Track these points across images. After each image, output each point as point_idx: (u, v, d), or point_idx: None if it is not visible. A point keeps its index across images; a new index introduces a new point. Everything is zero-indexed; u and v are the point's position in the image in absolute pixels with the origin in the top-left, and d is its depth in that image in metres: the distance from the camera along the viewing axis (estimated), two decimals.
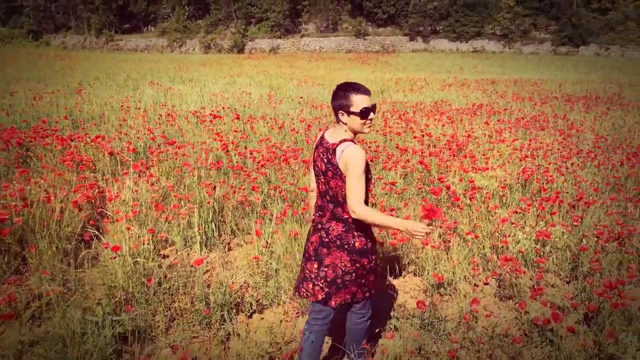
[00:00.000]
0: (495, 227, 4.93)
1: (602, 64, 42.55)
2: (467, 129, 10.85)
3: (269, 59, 48.02)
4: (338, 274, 2.91)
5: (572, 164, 7.45)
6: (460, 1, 54.82)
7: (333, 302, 2.96)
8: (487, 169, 6.75)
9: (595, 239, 4.56)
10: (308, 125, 10.08)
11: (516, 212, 5.08)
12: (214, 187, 5.65)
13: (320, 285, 2.94)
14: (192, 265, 4.02)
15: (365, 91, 2.79)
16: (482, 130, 10.24)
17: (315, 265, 2.96)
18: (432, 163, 7.20)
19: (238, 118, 9.77)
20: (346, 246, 2.88)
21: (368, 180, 2.89)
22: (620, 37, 52.82)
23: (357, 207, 2.71)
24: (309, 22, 63.88)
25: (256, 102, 13.68)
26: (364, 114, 2.76)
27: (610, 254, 4.40)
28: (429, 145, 8.61)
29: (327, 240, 2.92)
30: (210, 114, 9.88)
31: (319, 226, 2.98)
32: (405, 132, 9.56)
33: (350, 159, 2.71)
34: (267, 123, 10.06)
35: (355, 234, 2.89)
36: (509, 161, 7.68)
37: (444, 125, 10.61)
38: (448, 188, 5.91)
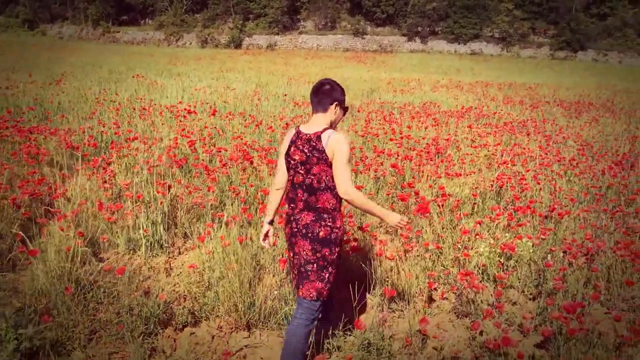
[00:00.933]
0: (459, 237, 4.64)
1: (599, 69, 42.35)
2: (451, 132, 10.57)
3: (265, 55, 47.78)
4: (301, 263, 3.05)
5: (552, 171, 7.17)
6: (459, 3, 54.45)
7: (300, 292, 3.05)
8: (461, 174, 6.46)
9: (562, 254, 4.28)
10: (287, 123, 9.79)
11: (480, 223, 4.79)
12: (169, 187, 5.36)
13: (295, 271, 3.13)
14: (118, 273, 3.72)
15: None
16: (465, 134, 9.95)
17: (291, 254, 3.15)
18: (406, 167, 6.91)
19: (214, 114, 9.47)
20: (310, 235, 3.01)
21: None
22: (618, 43, 52.55)
23: (350, 188, 2.93)
24: (308, 19, 63.47)
25: (239, 98, 13.35)
26: (347, 109, 3.22)
27: (576, 271, 4.12)
28: (408, 149, 8.32)
29: (295, 230, 3.07)
30: (185, 109, 9.56)
31: (291, 218, 3.11)
32: (386, 133, 9.27)
33: (338, 145, 2.91)
34: (244, 120, 9.76)
35: (322, 223, 3.01)
36: (487, 167, 7.40)
37: (427, 128, 10.32)
38: (417, 194, 5.62)
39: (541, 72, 38.27)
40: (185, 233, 5.04)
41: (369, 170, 6.70)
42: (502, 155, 8.12)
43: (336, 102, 3.07)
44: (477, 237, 4.53)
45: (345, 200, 2.99)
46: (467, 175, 6.66)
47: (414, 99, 17.29)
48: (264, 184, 5.95)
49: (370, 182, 6.50)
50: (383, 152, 7.57)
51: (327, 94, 3.07)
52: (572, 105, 17.05)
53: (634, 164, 8.09)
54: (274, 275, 4.20)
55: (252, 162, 6.30)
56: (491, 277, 4.25)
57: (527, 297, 4.15)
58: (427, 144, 8.52)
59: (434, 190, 5.95)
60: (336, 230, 3.06)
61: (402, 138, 8.60)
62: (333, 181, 3.00)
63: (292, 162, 3.06)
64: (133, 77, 16.90)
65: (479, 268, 4.25)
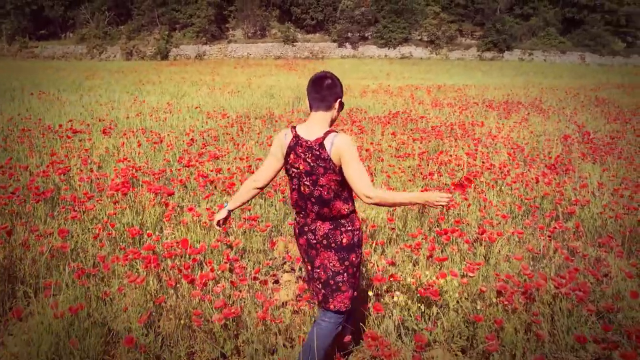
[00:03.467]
0: (374, 276, 3.73)
1: (526, 68, 43.15)
2: (376, 139, 9.77)
3: (192, 66, 46.20)
4: (329, 275, 2.83)
5: (482, 181, 6.40)
6: (387, 7, 54.66)
7: (331, 305, 2.85)
8: None
9: (496, 297, 3.41)
10: (192, 139, 8.70)
11: (393, 264, 3.88)
12: (9, 232, 4.19)
13: (318, 286, 2.90)
14: None
15: None
16: (390, 142, 9.15)
17: (309, 267, 2.95)
18: None
19: (105, 133, 8.27)
20: (333, 244, 2.80)
21: None
22: (542, 42, 54.05)
23: (371, 191, 2.65)
24: (237, 28, 62.30)
25: (146, 111, 12.13)
26: (343, 105, 2.89)
27: (513, 318, 3.26)
28: None
29: (314, 241, 2.84)
30: (70, 129, 8.31)
31: (305, 228, 2.87)
32: None
33: (346, 147, 2.66)
34: (140, 138, 8.60)
35: (342, 230, 2.81)
36: (410, 180, 6.56)
37: None
38: None
39: (470, 73, 38.50)
40: (27, 293, 3.90)
41: (276, 192, 5.73)
42: (427, 165, 7.33)
43: (338, 99, 2.82)
44: (392, 279, 3.61)
45: (370, 204, 2.76)
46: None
47: None
48: (148, 220, 4.87)
49: (278, 205, 5.53)
50: None
51: (330, 89, 2.77)
52: (500, 105, 16.68)
53: (568, 168, 7.47)
54: None
55: (125, 194, 5.17)
56: (410, 331, 3.34)
57: (454, 354, 3.27)
58: None
59: None
60: (357, 232, 2.87)
61: None
62: (343, 187, 2.77)
63: (294, 171, 2.80)
64: (32, 94, 15.30)
65: (394, 323, 3.33)
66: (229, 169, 6.67)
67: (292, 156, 2.78)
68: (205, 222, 4.57)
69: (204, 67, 44.27)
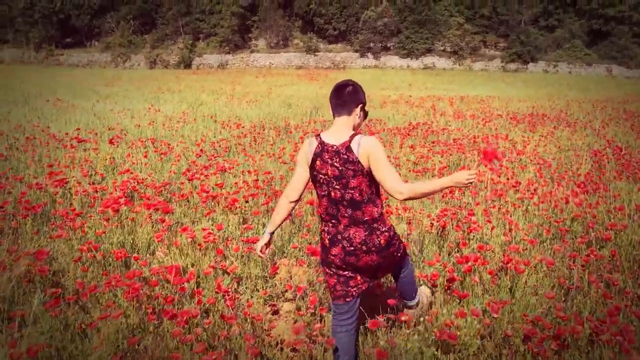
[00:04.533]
0: (381, 314, 3.28)
1: (550, 80, 42.26)
2: (394, 152, 9.32)
3: (215, 75, 46.25)
4: (374, 268, 2.95)
5: (507, 201, 5.91)
6: (411, 18, 54.24)
7: (381, 276, 3.15)
8: (391, 212, 5.12)
9: (523, 343, 2.94)
10: (201, 150, 8.36)
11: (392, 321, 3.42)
12: None
13: (360, 281, 2.97)
14: None
15: None
16: (407, 156, 8.70)
17: (348, 273, 2.96)
18: None
19: (111, 142, 7.96)
20: (373, 248, 2.86)
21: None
22: (567, 54, 53.05)
23: (403, 187, 2.70)
24: (259, 38, 62.46)
25: (160, 120, 11.84)
26: (367, 113, 3.01)
27: None
28: None
29: (351, 249, 2.86)
30: (75, 138, 8.01)
31: (339, 237, 2.88)
32: None
33: (372, 147, 2.73)
34: (149, 148, 8.28)
35: (377, 233, 2.86)
36: (430, 198, 6.10)
37: None
38: None
39: (493, 84, 37.82)
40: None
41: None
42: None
43: (361, 105, 2.91)
44: (403, 322, 3.16)
45: (404, 200, 2.81)
46: (405, 211, 5.33)
47: None
48: (134, 238, 4.49)
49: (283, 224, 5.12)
50: None
51: (351, 95, 2.87)
52: (525, 117, 16.09)
53: (599, 186, 6.93)
54: None
55: (118, 211, 4.79)
56: None
57: None
58: None
59: None
60: (390, 230, 2.95)
61: None
62: (372, 189, 2.83)
63: (322, 177, 2.84)
64: (47, 100, 15.17)
65: None
66: (235, 182, 6.28)
67: (318, 163, 2.83)
68: (201, 244, 4.17)
69: (226, 76, 44.26)
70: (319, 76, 45.22)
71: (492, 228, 4.98)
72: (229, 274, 3.83)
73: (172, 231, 4.55)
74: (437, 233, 4.89)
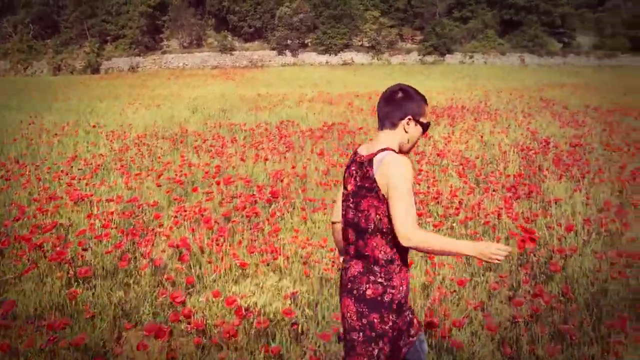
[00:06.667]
0: None
1: (467, 71, 42.64)
2: (303, 161, 8.16)
3: (124, 79, 43.85)
4: (346, 328, 2.34)
5: (427, 222, 4.85)
6: (326, 13, 53.54)
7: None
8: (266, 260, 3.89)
9: None
10: (58, 174, 6.85)
11: None
12: None
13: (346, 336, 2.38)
14: None
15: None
16: (316, 164, 7.55)
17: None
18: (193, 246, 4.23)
19: None
20: (355, 292, 2.27)
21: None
22: (481, 44, 54.01)
23: (410, 231, 2.10)
24: (171, 38, 59.92)
25: (32, 135, 10.13)
26: (427, 126, 2.41)
27: None
28: (226, 197, 5.69)
29: (342, 282, 2.39)
30: None
31: (345, 265, 2.40)
32: (207, 174, 6.60)
33: (395, 168, 2.18)
34: None
35: (372, 278, 2.24)
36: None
37: (266, 160, 7.75)
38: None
39: (412, 77, 37.56)
40: None
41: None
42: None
43: (410, 117, 2.33)
44: None
45: (410, 248, 2.17)
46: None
47: (272, 117, 14.83)
48: None
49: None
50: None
51: (397, 103, 2.34)
52: (445, 110, 15.40)
53: (532, 189, 6.02)
54: None
55: None
56: None
57: None
58: (249, 195, 5.95)
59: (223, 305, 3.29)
60: (391, 291, 2.24)
61: (219, 182, 5.96)
62: (390, 224, 2.19)
63: (344, 192, 2.41)
64: None
65: None
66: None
67: (346, 175, 2.45)
68: None
69: (136, 79, 41.95)
70: (235, 75, 43.67)
71: (410, 263, 3.87)
72: None
73: None
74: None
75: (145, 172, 7.16)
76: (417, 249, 2.17)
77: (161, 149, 9.06)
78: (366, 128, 11.92)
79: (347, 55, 54.05)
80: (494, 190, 6.06)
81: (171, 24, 58.94)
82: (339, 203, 2.53)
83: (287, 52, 55.73)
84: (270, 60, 55.66)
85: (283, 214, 5.00)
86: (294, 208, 5.63)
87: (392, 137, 2.35)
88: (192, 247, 3.95)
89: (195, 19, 58.48)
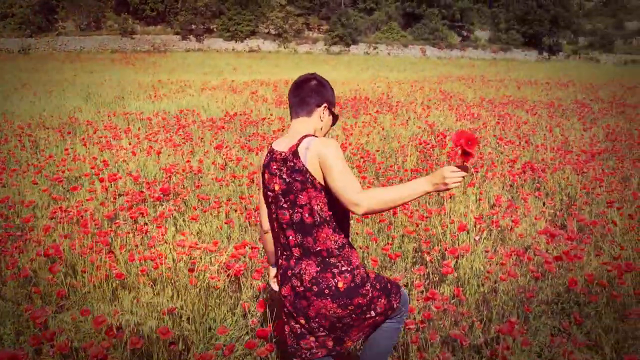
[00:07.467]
0: None
1: (371, 62, 43.39)
2: (200, 154, 7.81)
3: (13, 61, 40.73)
4: (333, 321, 2.22)
5: None
6: None
7: (349, 342, 2.35)
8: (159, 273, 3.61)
9: None
10: None
11: None
12: None
13: (322, 334, 2.26)
14: None
15: None
16: (214, 157, 7.25)
17: (303, 321, 2.26)
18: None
19: None
20: (327, 291, 2.16)
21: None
22: (385, 36, 55.25)
23: (357, 196, 1.98)
24: (68, 19, 56.40)
25: None
26: (337, 118, 2.45)
27: None
28: (106, 201, 5.28)
29: (301, 289, 2.21)
30: None
31: (289, 272, 2.26)
32: (93, 168, 6.11)
33: (324, 149, 2.09)
34: None
35: (335, 271, 2.17)
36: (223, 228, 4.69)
37: (159, 153, 7.34)
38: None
39: (318, 67, 37.68)
40: None
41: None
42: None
43: (325, 104, 2.33)
44: None
45: (363, 215, 2.04)
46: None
47: (172, 106, 14.23)
48: None
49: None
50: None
51: (313, 91, 2.30)
52: (348, 102, 15.47)
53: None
54: None
55: None
56: None
57: None
58: (129, 191, 5.58)
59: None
60: (358, 272, 2.22)
61: (102, 179, 5.52)
62: (329, 209, 2.15)
63: (270, 194, 2.27)
64: None
65: None
66: None
67: (266, 177, 2.28)
68: None
69: (26, 62, 39.09)
70: (135, 60, 41.88)
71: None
72: None
73: None
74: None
75: (24, 167, 6.56)
76: (371, 212, 2.05)
77: (46, 140, 8.36)
78: (270, 119, 11.69)
79: (253, 43, 53.48)
80: (391, 185, 6.06)
81: (66, 4, 55.48)
82: (262, 209, 2.43)
83: (192, 38, 54.22)
84: (173, 45, 53.93)
85: (172, 214, 4.69)
86: (186, 206, 5.33)
87: (308, 125, 2.31)
88: (64, 255, 3.57)
89: (94, 0, 55.40)
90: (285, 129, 10.53)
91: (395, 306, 2.41)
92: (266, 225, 2.47)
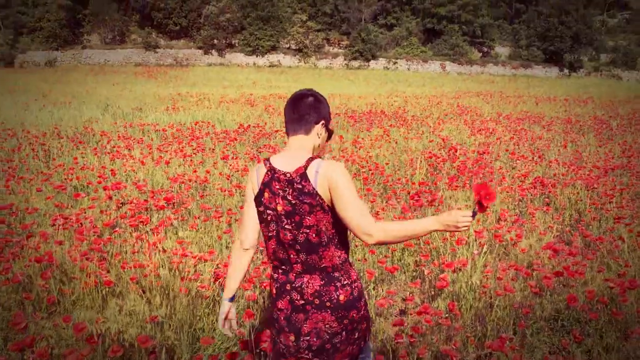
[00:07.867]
0: None
1: (390, 77, 43.41)
2: (208, 165, 7.83)
3: (39, 73, 41.61)
4: (325, 339, 2.22)
5: None
6: (254, 14, 53.08)
7: None
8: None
9: None
10: None
11: None
12: None
13: (307, 356, 2.24)
14: None
15: None
16: (222, 168, 7.26)
17: (292, 338, 2.25)
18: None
19: None
20: (328, 303, 2.20)
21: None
22: (405, 51, 55.22)
23: (372, 228, 2.05)
24: (93, 33, 57.51)
25: None
26: (332, 133, 2.44)
27: None
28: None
29: (301, 302, 2.22)
30: None
31: (287, 286, 2.25)
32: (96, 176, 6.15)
33: (336, 174, 2.12)
34: None
35: (337, 285, 2.21)
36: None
37: (168, 163, 7.37)
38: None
39: (337, 82, 37.84)
40: None
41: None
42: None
43: (323, 121, 2.32)
44: None
45: (374, 245, 2.44)
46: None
47: (188, 117, 14.35)
48: None
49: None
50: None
51: (311, 108, 2.29)
52: (363, 115, 15.44)
53: (435, 197, 5.98)
54: None
55: None
56: None
57: None
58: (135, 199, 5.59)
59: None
60: (355, 285, 2.27)
61: (106, 187, 5.55)
62: (335, 229, 2.17)
63: (270, 213, 2.21)
64: None
65: None
66: None
67: (266, 195, 2.21)
68: None
69: (51, 74, 39.90)
70: (158, 74, 42.43)
71: None
72: None
73: None
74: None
75: (34, 175, 6.63)
76: (381, 243, 2.13)
77: (58, 149, 8.46)
78: (283, 131, 11.71)
79: (274, 58, 53.86)
80: (397, 197, 5.99)
81: (92, 18, 56.58)
82: (251, 227, 2.34)
83: (214, 52, 54.82)
84: (196, 60, 54.57)
85: (171, 222, 4.68)
86: (189, 215, 5.33)
87: (308, 143, 2.30)
88: (56, 262, 3.57)
89: (119, 15, 56.44)
90: None
91: (367, 338, 2.40)
92: (248, 243, 2.37)
